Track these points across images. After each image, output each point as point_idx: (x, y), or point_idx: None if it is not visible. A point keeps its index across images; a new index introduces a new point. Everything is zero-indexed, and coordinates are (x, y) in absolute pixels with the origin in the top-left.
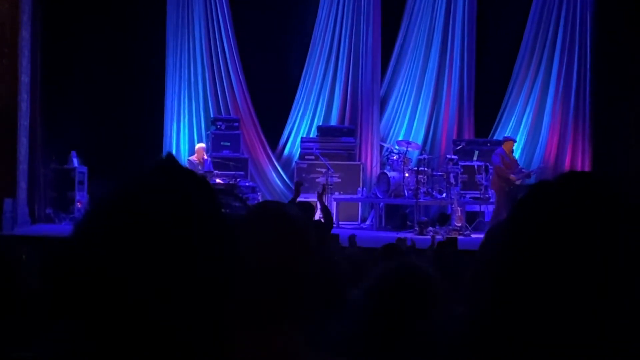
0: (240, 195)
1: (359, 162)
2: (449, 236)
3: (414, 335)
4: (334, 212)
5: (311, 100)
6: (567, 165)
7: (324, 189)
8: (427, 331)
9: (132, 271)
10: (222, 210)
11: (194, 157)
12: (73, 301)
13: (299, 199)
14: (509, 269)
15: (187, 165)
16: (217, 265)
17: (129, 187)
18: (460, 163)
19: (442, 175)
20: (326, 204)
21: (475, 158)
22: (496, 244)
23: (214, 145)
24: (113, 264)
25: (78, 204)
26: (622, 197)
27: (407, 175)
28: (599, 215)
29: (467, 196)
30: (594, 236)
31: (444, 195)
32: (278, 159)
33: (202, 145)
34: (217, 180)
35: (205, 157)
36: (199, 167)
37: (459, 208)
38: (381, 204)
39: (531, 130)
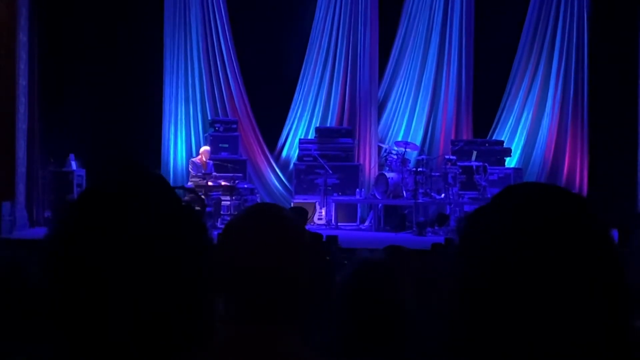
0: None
1: (358, 163)
2: (447, 237)
3: (392, 334)
4: (332, 213)
5: (309, 102)
6: (565, 166)
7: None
8: (407, 331)
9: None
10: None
11: (197, 159)
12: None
13: (295, 204)
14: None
15: (190, 166)
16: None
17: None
18: (458, 163)
19: (440, 176)
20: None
21: (473, 158)
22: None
23: (213, 147)
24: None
25: None
26: (562, 206)
27: (405, 176)
28: (539, 227)
29: (466, 196)
30: (533, 248)
31: (443, 195)
32: (276, 161)
33: (207, 148)
34: (222, 182)
35: (205, 159)
36: (202, 169)
37: (457, 208)
38: (380, 204)
39: (530, 131)
